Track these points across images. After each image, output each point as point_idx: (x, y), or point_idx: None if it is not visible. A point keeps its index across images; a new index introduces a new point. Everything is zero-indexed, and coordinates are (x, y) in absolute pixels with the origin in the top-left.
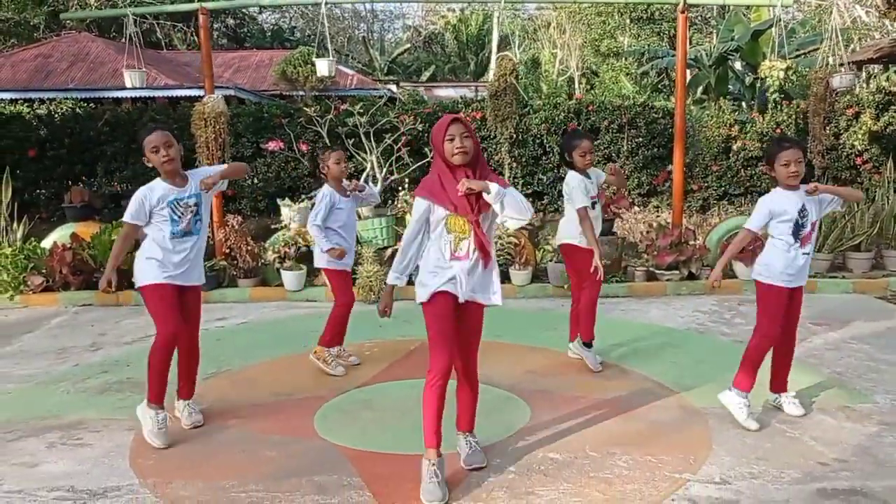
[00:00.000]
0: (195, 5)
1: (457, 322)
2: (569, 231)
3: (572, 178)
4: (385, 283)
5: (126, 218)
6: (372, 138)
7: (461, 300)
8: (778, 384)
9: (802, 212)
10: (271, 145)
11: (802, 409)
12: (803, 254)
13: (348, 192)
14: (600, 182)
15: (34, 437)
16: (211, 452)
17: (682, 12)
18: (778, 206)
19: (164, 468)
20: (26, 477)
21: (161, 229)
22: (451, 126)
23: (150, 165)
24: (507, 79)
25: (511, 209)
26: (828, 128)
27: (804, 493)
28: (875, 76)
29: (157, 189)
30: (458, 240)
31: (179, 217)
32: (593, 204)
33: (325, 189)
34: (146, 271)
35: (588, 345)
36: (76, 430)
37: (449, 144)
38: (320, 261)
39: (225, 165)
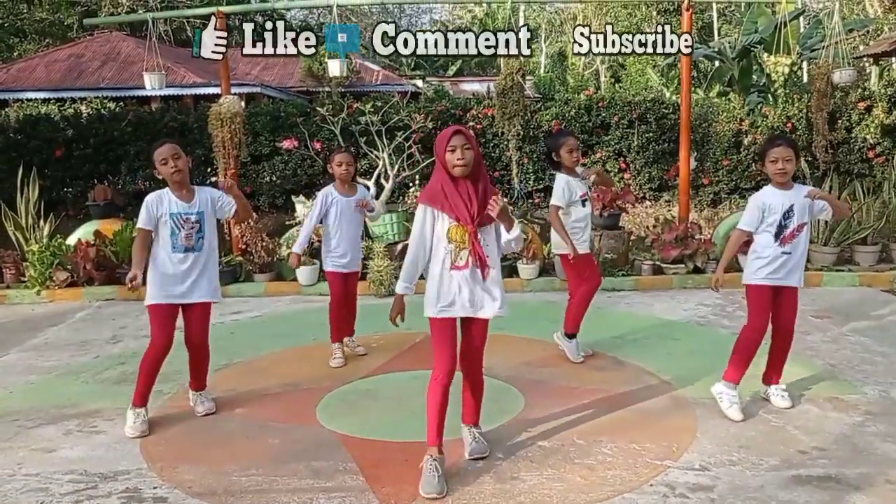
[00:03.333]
0: (212, 9)
1: (457, 330)
2: (558, 240)
3: (558, 179)
4: (395, 292)
5: (140, 224)
6: (384, 136)
7: (461, 315)
8: (768, 377)
9: (788, 212)
10: (286, 144)
11: (790, 402)
12: (783, 253)
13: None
14: (590, 181)
15: (53, 424)
16: (217, 439)
17: (687, 9)
18: (768, 203)
19: (172, 454)
20: (44, 461)
21: (164, 242)
22: (454, 137)
23: (160, 177)
24: (514, 77)
25: (516, 243)
26: (839, 122)
27: (779, 479)
28: (889, 69)
29: (164, 198)
30: (458, 249)
31: (180, 231)
32: (583, 202)
33: (327, 188)
34: (151, 291)
35: (571, 336)
36: (92, 418)
37: (450, 155)
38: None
39: (241, 200)
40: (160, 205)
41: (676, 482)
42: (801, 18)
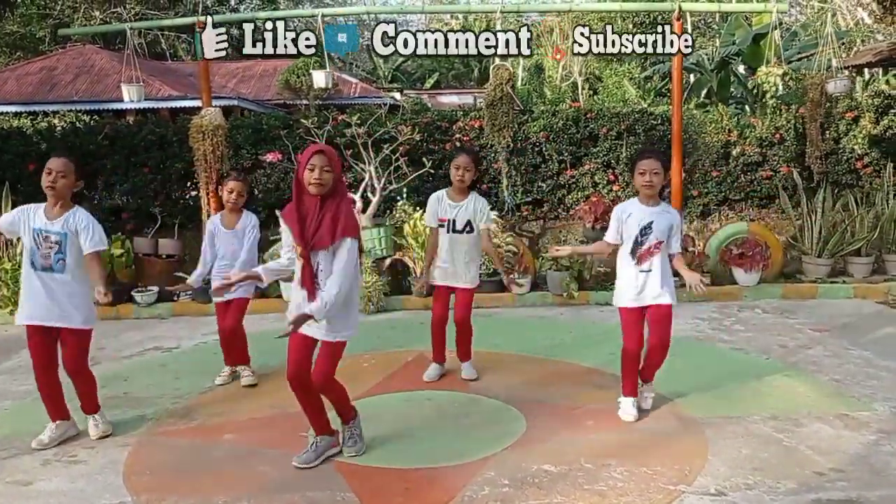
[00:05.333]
0: (192, 20)
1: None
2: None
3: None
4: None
5: None
6: (370, 148)
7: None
8: (642, 375)
9: (646, 228)
10: (269, 157)
11: (649, 404)
12: (641, 272)
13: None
14: (477, 208)
15: (29, 454)
16: (205, 467)
17: (678, 19)
18: (624, 214)
19: (158, 484)
20: (20, 496)
21: (26, 257)
22: (315, 157)
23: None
24: (503, 88)
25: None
26: (827, 132)
27: None
28: (874, 80)
29: (34, 211)
30: (301, 266)
31: (38, 248)
32: (448, 226)
33: (214, 217)
34: (19, 309)
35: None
36: (71, 446)
37: (308, 174)
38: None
39: (99, 272)
40: (29, 215)
41: None
42: (771, 33)
